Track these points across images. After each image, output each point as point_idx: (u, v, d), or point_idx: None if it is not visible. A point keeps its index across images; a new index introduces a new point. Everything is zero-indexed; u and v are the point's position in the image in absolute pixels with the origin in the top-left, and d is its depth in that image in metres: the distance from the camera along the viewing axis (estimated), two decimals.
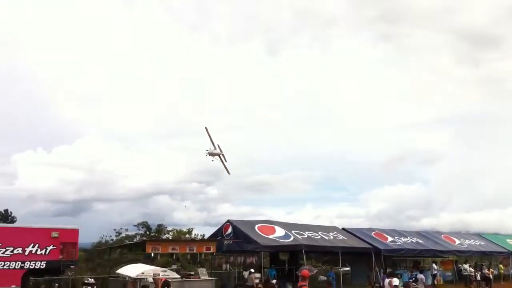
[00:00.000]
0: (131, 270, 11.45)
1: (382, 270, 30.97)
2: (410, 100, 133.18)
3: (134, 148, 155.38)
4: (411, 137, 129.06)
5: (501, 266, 41.22)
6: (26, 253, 22.08)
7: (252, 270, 26.78)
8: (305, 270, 11.80)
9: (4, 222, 39.59)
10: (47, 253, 22.50)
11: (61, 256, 22.79)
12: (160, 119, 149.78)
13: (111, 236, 46.40)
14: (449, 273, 38.39)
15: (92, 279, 24.48)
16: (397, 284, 12.20)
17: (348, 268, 37.83)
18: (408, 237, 37.84)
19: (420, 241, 37.68)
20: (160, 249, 26.39)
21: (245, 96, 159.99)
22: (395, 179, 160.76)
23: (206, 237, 39.32)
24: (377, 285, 13.15)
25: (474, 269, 36.05)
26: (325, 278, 30.91)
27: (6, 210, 43.91)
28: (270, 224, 32.65)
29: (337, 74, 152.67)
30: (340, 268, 32.72)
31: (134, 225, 49.83)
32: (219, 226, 32.74)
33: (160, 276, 11.96)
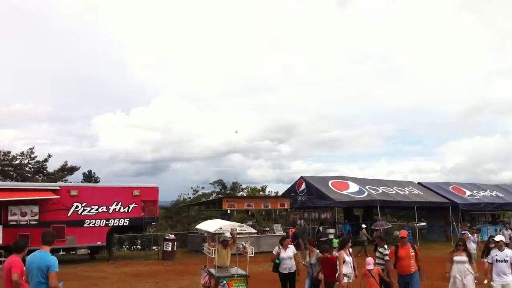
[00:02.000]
0: (209, 226, 11.76)
1: (460, 225, 30.30)
2: (489, 47, 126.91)
3: (208, 108, 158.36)
4: (491, 86, 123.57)
5: None
6: (110, 211, 23.12)
7: (364, 226, 26.90)
8: (404, 231, 11.32)
9: (88, 182, 41.45)
10: (129, 210, 23.50)
11: (142, 214, 23.73)
12: (232, 78, 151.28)
13: (188, 194, 48.02)
14: None
15: (173, 235, 25.40)
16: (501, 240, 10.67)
17: (424, 223, 37.33)
18: (488, 191, 36.71)
19: (500, 195, 36.47)
20: (236, 205, 27.10)
21: (317, 52, 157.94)
22: (473, 131, 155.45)
23: (279, 194, 39.83)
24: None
25: None
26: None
27: (89, 171, 45.99)
28: (344, 179, 32.59)
29: (411, 24, 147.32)
30: (416, 224, 32.33)
31: (210, 183, 51.25)
32: (292, 183, 33.05)
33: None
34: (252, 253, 11.41)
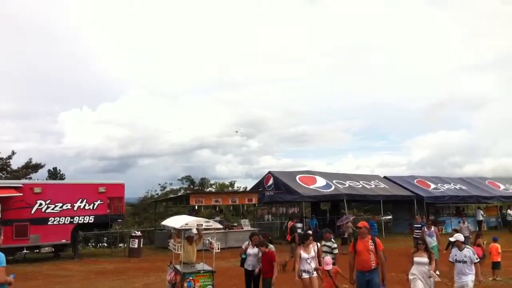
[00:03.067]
0: (175, 222, 11.70)
1: (424, 218, 30.79)
2: (455, 43, 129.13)
3: (176, 104, 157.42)
4: (455, 82, 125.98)
5: None
6: (75, 208, 22.71)
7: (351, 218, 27.07)
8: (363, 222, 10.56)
9: (53, 180, 40.71)
10: (95, 208, 23.15)
11: (108, 211, 23.41)
12: (201, 74, 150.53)
13: (156, 190, 47.48)
14: (493, 219, 37.88)
15: (139, 232, 25.18)
16: (457, 240, 10.17)
17: (390, 217, 37.84)
18: (452, 184, 37.40)
19: (464, 188, 37.18)
20: (203, 201, 27.00)
21: (284, 48, 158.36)
22: (438, 125, 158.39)
23: (248, 189, 39.82)
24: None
25: None
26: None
27: (55, 168, 45.32)
28: (311, 174, 32.77)
29: (380, 20, 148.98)
30: (382, 217, 32.76)
31: (178, 179, 50.88)
32: (260, 178, 33.08)
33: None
34: (218, 249, 11.38)
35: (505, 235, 29.90)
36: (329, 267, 10.39)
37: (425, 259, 9.93)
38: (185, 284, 10.48)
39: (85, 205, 22.97)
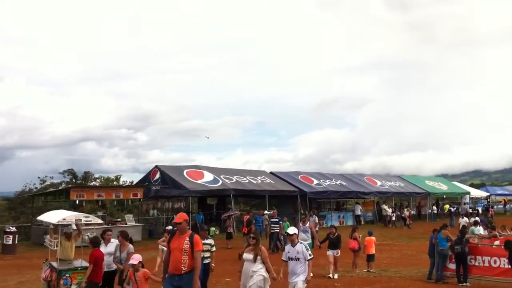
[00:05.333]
0: (52, 217, 11.15)
1: (307, 212, 31.91)
2: (339, 45, 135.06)
3: (58, 93, 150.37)
4: (340, 82, 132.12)
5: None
6: None
7: (266, 212, 27.11)
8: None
9: None
10: None
11: None
12: (87, 63, 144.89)
13: (35, 184, 44.95)
14: (370, 214, 40.13)
15: (14, 228, 23.80)
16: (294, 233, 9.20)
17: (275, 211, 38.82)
18: (333, 180, 39.13)
19: (344, 183, 39.05)
20: (85, 195, 26.02)
21: (178, 42, 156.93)
22: (324, 123, 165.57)
23: (134, 183, 39.01)
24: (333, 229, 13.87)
25: (393, 210, 37.87)
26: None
27: None
28: (199, 169, 32.75)
29: (268, 19, 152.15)
30: (267, 212, 33.45)
31: (60, 173, 48.51)
32: (147, 172, 32.53)
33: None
34: None
35: (380, 229, 31.89)
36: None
37: (250, 256, 8.78)
38: (62, 282, 10.04)
39: None
